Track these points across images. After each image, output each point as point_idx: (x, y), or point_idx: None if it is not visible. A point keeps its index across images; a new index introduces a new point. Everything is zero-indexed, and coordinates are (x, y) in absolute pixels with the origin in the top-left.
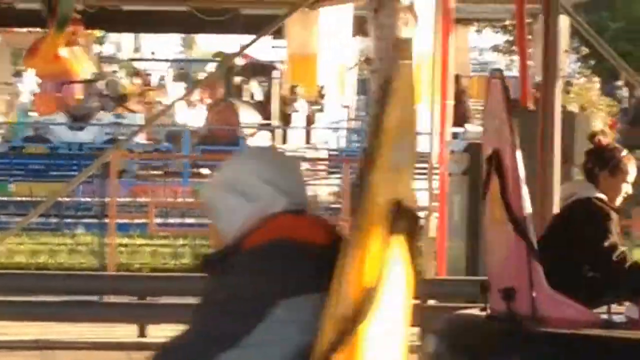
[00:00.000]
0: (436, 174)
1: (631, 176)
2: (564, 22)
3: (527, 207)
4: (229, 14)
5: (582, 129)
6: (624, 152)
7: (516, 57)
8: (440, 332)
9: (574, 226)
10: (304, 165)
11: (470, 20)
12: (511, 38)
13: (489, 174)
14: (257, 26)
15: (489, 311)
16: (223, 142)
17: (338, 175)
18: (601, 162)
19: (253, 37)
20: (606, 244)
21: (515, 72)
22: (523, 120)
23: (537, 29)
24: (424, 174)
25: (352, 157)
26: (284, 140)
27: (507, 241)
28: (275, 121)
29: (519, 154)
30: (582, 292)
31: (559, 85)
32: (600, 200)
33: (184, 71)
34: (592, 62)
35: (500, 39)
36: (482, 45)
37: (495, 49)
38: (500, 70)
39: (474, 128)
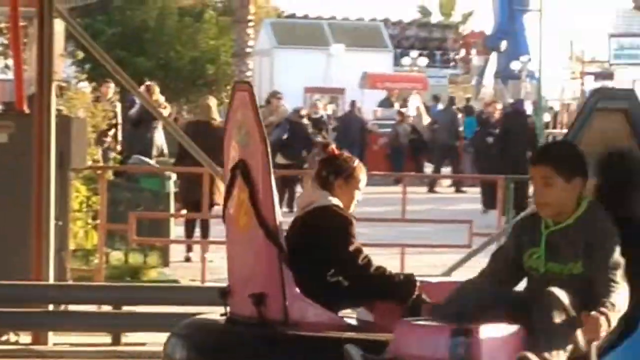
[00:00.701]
0: None
1: (363, 183)
2: (59, 26)
3: (278, 214)
4: None
5: (78, 133)
6: (356, 162)
7: (11, 61)
8: (184, 337)
9: (317, 233)
10: None
11: None
12: (6, 41)
13: (232, 183)
14: None
15: (229, 316)
16: None
17: None
18: (336, 171)
19: None
20: (351, 248)
21: (10, 75)
22: (18, 123)
23: (33, 33)
24: None
25: None
26: None
27: (257, 247)
28: None
29: (269, 162)
30: (326, 297)
31: (54, 89)
32: (338, 207)
33: None
34: (88, 67)
35: None
36: None
37: None
38: (248, 83)
39: None
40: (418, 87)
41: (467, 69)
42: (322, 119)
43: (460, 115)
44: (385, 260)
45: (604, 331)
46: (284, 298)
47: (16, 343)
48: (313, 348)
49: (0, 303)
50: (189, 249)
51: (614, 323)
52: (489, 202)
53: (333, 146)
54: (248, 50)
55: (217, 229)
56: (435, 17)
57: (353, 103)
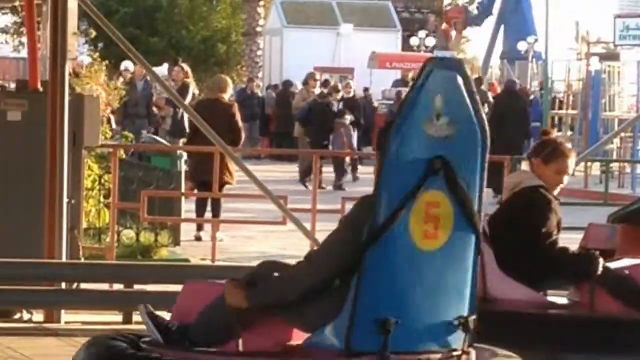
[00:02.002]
0: None
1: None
2: (73, 4)
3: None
4: None
5: (91, 112)
6: (562, 141)
7: (25, 39)
8: None
9: (519, 213)
10: None
11: None
12: (19, 19)
13: None
14: None
15: None
16: None
17: None
18: (537, 151)
19: None
20: (543, 230)
21: (24, 53)
22: (32, 102)
23: (46, 11)
24: None
25: None
26: None
27: None
28: None
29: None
30: (529, 275)
31: (67, 67)
32: (543, 188)
33: None
34: (101, 45)
35: (9, 20)
36: None
37: (4, 30)
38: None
39: None
40: None
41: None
42: (355, 99)
43: None
44: None
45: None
46: (484, 275)
47: (29, 321)
48: (509, 323)
49: (12, 281)
50: (200, 227)
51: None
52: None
53: (551, 132)
54: (258, 29)
55: (227, 208)
56: None
57: (366, 90)
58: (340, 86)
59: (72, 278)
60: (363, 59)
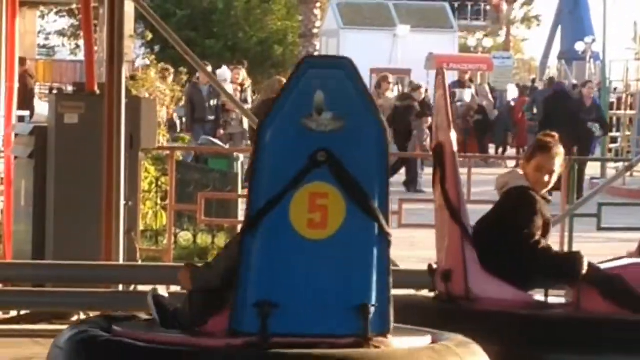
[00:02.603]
0: (1, 157)
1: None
2: (129, 7)
3: (461, 195)
4: None
5: (148, 114)
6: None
7: (82, 42)
8: None
9: (506, 212)
10: None
11: (36, 3)
12: (77, 22)
13: (435, 165)
14: None
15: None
16: None
17: None
18: (525, 154)
19: None
20: (526, 231)
21: (81, 56)
22: (89, 104)
23: (103, 14)
24: None
25: None
26: None
27: (447, 227)
28: None
29: (455, 146)
30: (514, 275)
31: (124, 70)
32: (530, 188)
33: None
34: (157, 48)
35: (66, 23)
36: (49, 29)
37: (61, 33)
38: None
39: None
40: (483, 68)
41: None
42: (426, 102)
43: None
44: None
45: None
46: (466, 275)
47: None
48: (492, 322)
49: (70, 283)
50: None
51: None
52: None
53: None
54: (315, 31)
55: None
56: None
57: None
58: (398, 87)
59: (129, 280)
60: (420, 60)
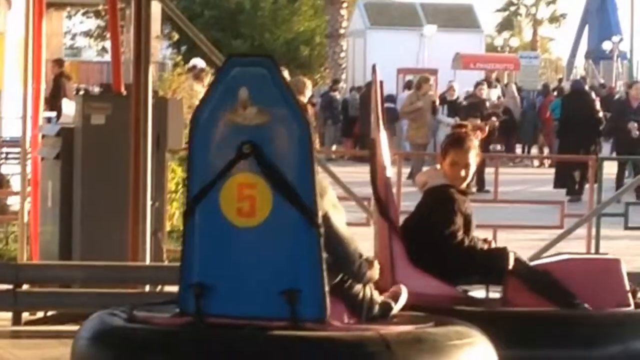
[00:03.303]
0: (29, 158)
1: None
2: (156, 8)
3: (390, 189)
4: None
5: (174, 114)
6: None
7: (109, 43)
8: None
9: (426, 211)
10: None
11: (63, 4)
12: (103, 23)
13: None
14: None
15: None
16: None
17: None
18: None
19: None
20: (447, 231)
21: (108, 57)
22: (115, 105)
23: (130, 15)
24: (17, 158)
25: None
26: None
27: (377, 221)
28: None
29: (385, 142)
30: (442, 271)
31: (151, 71)
32: (449, 186)
33: None
34: (184, 48)
35: (92, 24)
36: (75, 30)
37: (88, 34)
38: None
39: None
40: (510, 67)
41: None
42: (458, 101)
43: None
44: None
45: None
46: (392, 269)
47: None
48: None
49: (97, 284)
50: None
51: None
52: (559, 182)
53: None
54: (342, 31)
55: None
56: None
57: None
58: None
59: (156, 281)
60: (447, 60)
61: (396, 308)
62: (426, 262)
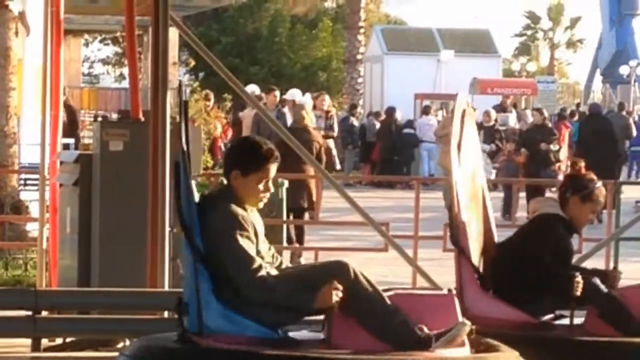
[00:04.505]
0: (47, 185)
1: (599, 207)
2: (173, 34)
3: (460, 215)
4: None
5: (192, 140)
6: (598, 184)
7: (126, 69)
8: None
9: (526, 237)
10: None
11: (81, 31)
12: (121, 50)
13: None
14: None
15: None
16: None
17: None
18: (575, 188)
19: None
20: (546, 260)
21: (125, 84)
22: (133, 131)
23: (147, 41)
24: (36, 185)
25: None
26: None
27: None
28: None
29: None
30: (526, 296)
31: (169, 97)
32: (560, 218)
33: None
34: (202, 75)
35: (110, 50)
36: (93, 57)
37: (106, 61)
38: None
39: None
40: (528, 92)
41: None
42: (495, 127)
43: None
44: None
45: None
46: (461, 294)
47: None
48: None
49: (115, 310)
50: (300, 254)
51: None
52: None
53: (581, 165)
54: (359, 56)
55: (327, 235)
56: (545, 22)
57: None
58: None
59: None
60: (464, 85)
61: (442, 340)
62: (509, 288)
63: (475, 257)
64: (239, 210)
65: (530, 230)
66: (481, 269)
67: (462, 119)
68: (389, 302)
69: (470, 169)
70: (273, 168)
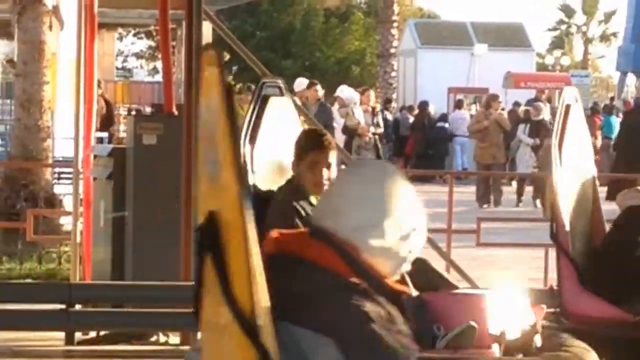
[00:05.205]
0: (81, 178)
1: None
2: (206, 29)
3: (560, 212)
4: None
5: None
6: None
7: (160, 63)
8: None
9: (620, 230)
10: None
11: (115, 25)
12: (154, 44)
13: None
14: None
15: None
16: None
17: None
18: None
19: None
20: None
21: (159, 77)
22: (167, 125)
23: (181, 35)
24: (70, 178)
25: None
26: None
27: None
28: None
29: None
30: (622, 293)
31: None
32: None
33: None
34: (235, 68)
35: (144, 44)
36: (126, 51)
37: (139, 55)
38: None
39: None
40: (561, 86)
41: None
42: (543, 122)
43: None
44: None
45: None
46: (560, 291)
47: (165, 344)
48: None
49: (149, 304)
50: None
51: None
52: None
53: None
54: (392, 50)
55: None
56: (579, 16)
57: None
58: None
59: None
60: (497, 79)
61: (444, 339)
62: (605, 279)
63: (578, 252)
64: (292, 203)
65: (619, 224)
66: (584, 264)
67: (565, 116)
68: None
69: (575, 166)
70: (322, 155)
